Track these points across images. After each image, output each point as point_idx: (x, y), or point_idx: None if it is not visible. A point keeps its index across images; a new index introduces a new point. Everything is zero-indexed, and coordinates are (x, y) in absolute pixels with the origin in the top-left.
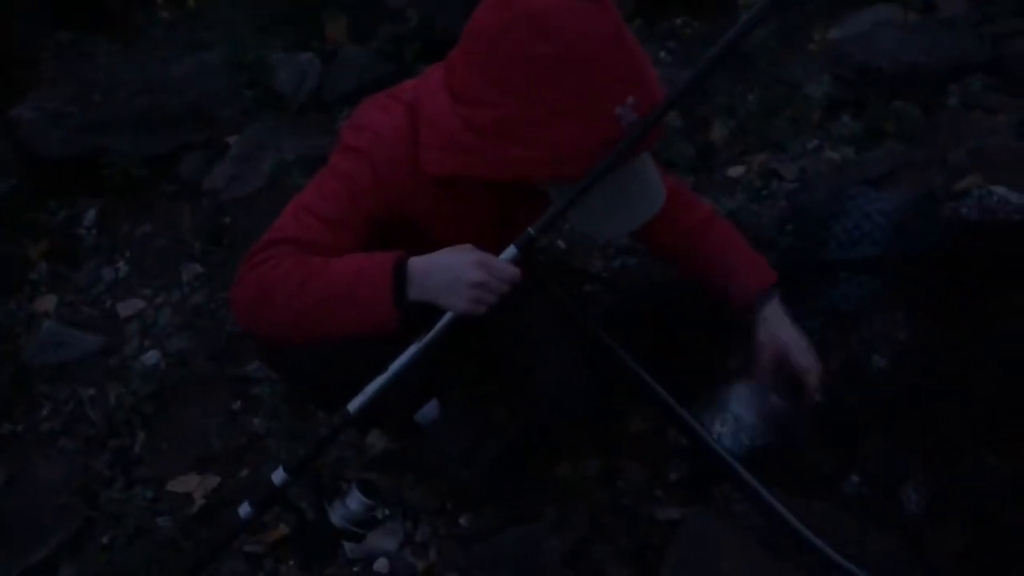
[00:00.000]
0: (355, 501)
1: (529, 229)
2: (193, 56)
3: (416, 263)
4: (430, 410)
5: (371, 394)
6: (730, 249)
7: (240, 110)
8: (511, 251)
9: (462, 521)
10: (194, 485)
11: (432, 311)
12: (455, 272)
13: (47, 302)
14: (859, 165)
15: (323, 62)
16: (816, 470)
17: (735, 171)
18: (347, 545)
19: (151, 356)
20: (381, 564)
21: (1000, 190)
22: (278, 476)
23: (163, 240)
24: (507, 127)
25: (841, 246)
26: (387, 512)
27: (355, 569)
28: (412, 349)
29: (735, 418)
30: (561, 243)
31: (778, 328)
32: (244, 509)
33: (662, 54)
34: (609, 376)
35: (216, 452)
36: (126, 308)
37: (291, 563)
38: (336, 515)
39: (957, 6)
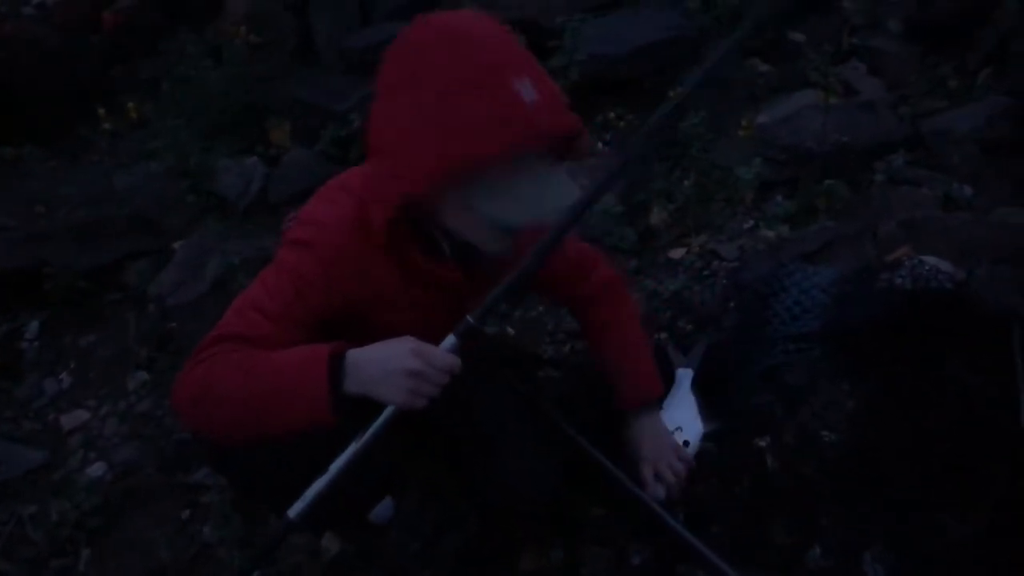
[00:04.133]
0: None
1: (468, 317)
2: (137, 166)
3: (353, 355)
4: (384, 508)
5: (312, 498)
6: (624, 356)
7: (185, 217)
8: (450, 340)
9: None
10: None
11: (375, 405)
12: (390, 362)
13: None
14: (795, 242)
15: (268, 166)
16: (777, 544)
17: (676, 253)
18: None
19: (96, 468)
20: None
21: (931, 259)
22: None
23: (108, 349)
24: (416, 121)
25: (784, 323)
26: None
27: None
28: (351, 448)
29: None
30: (511, 330)
31: (639, 433)
32: None
33: (599, 145)
34: (567, 461)
35: (165, 564)
36: (70, 420)
37: None
38: None
39: (875, 89)
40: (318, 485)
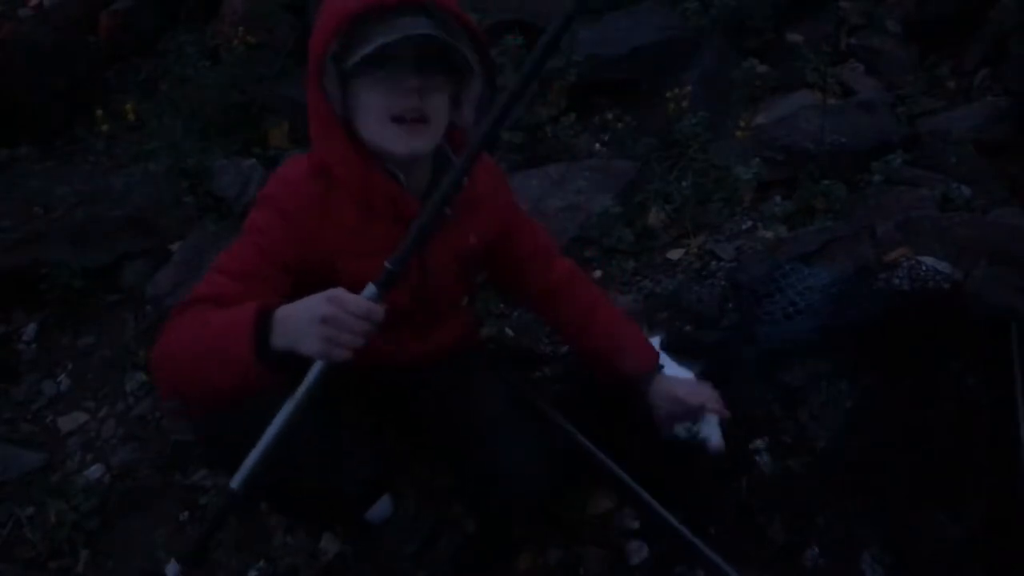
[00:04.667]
0: None
1: (386, 263)
2: (134, 166)
3: (281, 310)
4: (382, 509)
5: (252, 465)
6: (620, 329)
7: (183, 217)
8: (370, 289)
9: None
10: None
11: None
12: (308, 311)
13: None
14: (793, 242)
15: (265, 167)
16: (775, 543)
17: (674, 253)
18: None
19: (94, 470)
20: None
21: (928, 260)
22: (172, 569)
23: (106, 350)
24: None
25: (779, 323)
26: None
27: None
28: (285, 408)
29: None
30: (509, 330)
31: (666, 387)
32: None
33: (597, 146)
34: (565, 458)
35: (163, 565)
36: (68, 422)
37: None
38: None
39: (873, 90)
40: (256, 451)
